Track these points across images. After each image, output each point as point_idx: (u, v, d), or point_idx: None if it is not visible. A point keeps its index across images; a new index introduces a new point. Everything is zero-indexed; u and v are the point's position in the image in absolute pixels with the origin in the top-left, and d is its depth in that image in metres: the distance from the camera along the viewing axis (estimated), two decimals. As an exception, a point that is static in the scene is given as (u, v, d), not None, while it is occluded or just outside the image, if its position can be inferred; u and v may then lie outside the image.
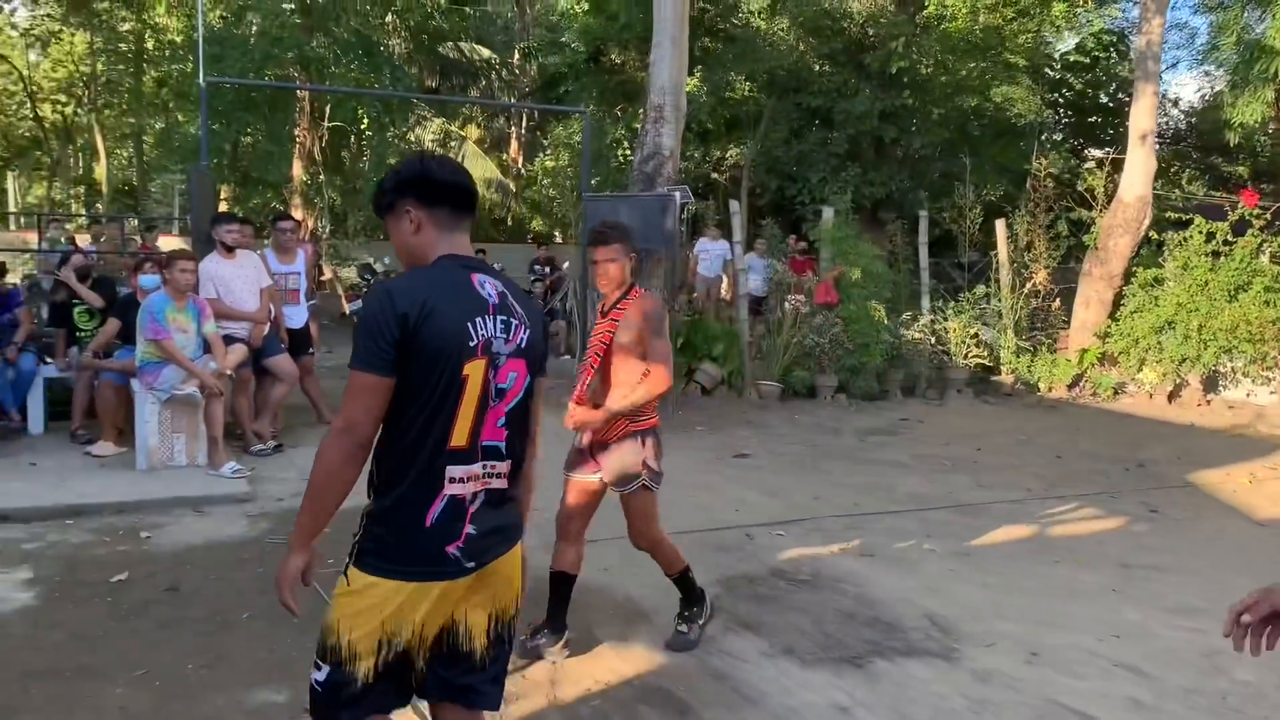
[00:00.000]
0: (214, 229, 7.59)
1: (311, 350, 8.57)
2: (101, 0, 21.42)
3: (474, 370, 2.30)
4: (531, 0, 23.90)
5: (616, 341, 4.01)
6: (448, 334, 2.26)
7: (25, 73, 24.82)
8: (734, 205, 12.21)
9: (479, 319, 2.32)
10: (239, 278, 7.50)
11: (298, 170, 19.56)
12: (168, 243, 14.11)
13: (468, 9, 22.64)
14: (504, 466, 2.42)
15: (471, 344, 2.30)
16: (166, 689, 3.74)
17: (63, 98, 24.10)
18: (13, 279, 12.71)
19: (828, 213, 12.21)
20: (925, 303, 12.75)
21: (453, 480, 2.31)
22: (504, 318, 2.38)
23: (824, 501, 6.88)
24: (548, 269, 16.01)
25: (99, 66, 21.99)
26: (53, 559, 5.18)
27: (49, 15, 23.54)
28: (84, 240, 15.88)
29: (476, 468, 2.35)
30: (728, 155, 20.68)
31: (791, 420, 9.82)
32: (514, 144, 27.06)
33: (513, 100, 25.14)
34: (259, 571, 5.11)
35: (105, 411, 7.30)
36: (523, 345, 2.42)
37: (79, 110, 23.36)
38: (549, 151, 27.33)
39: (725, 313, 13.00)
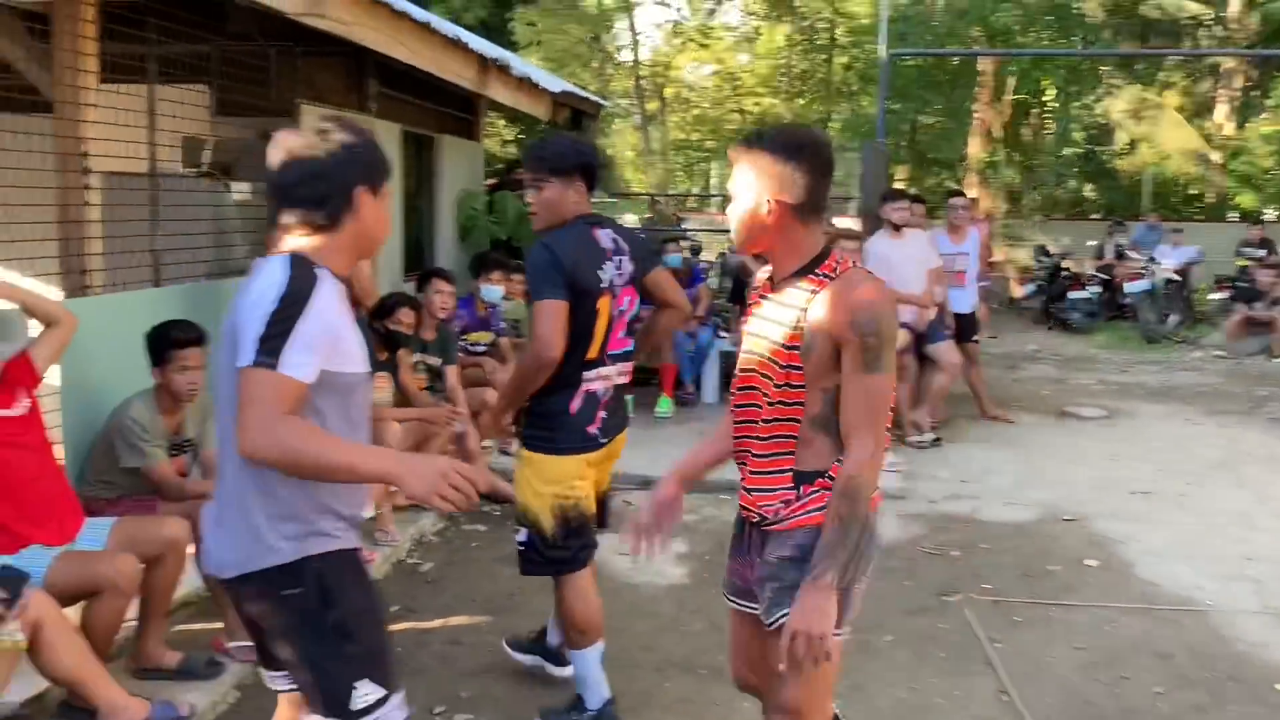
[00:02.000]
0: (882, 206, 7.25)
1: (976, 338, 7.91)
2: (799, -4, 22.77)
3: (603, 304, 3.08)
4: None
5: (776, 361, 2.23)
6: (588, 279, 3.03)
7: (734, 71, 27.52)
8: None
9: (603, 265, 3.09)
10: (905, 258, 7.06)
11: (974, 148, 18.87)
12: (842, 224, 14.36)
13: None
14: (628, 365, 3.26)
15: (601, 285, 3.07)
16: (795, 713, 3.38)
17: (761, 89, 26.21)
18: (707, 256, 13.96)
19: None
20: None
21: (588, 380, 3.09)
22: (617, 258, 3.15)
23: None
24: (1263, 250, 13.54)
25: (794, 59, 23.43)
26: (705, 534, 5.21)
27: (753, 15, 25.76)
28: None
29: (608, 370, 3.16)
30: None
31: None
32: (1221, 110, 23.39)
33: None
34: (906, 584, 4.62)
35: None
36: (631, 276, 3.19)
37: (775, 101, 25.21)
38: (1266, 115, 23.19)
39: None
